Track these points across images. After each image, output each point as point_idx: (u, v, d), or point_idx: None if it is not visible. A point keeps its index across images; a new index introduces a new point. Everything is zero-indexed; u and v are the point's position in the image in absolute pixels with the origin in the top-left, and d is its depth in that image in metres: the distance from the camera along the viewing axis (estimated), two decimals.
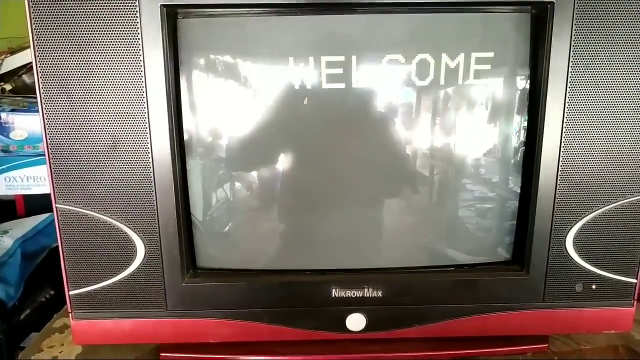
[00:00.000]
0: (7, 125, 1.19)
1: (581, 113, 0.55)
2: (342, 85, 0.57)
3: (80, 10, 0.51)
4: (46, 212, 1.18)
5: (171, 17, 0.53)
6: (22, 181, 1.19)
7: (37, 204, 1.22)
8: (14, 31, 1.27)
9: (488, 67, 0.58)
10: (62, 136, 0.54)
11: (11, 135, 1.19)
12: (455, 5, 0.55)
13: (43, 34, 0.51)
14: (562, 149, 0.56)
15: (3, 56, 1.32)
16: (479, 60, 0.57)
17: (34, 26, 0.51)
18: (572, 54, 0.54)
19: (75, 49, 0.52)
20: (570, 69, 0.54)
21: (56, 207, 0.55)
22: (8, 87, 1.32)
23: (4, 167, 1.19)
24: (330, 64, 0.56)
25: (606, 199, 0.58)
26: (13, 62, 1.31)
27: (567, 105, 0.55)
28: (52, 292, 1.14)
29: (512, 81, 0.59)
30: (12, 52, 1.31)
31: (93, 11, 0.51)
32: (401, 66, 0.58)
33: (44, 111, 0.53)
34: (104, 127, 0.54)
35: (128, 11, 0.51)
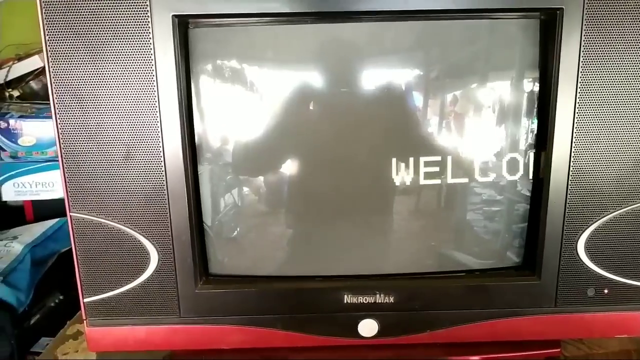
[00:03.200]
0: (15, 132, 1.20)
1: (592, 117, 0.55)
2: (350, 91, 0.57)
3: (94, 20, 0.51)
4: (55, 218, 1.18)
5: (182, 27, 0.53)
6: (31, 187, 1.20)
7: (46, 209, 1.22)
8: (21, 38, 1.27)
9: (497, 71, 0.58)
10: (75, 144, 0.54)
11: (19, 141, 1.20)
12: (462, 12, 0.55)
13: (56, 42, 0.52)
14: (572, 152, 0.56)
15: (10, 63, 1.32)
16: (488, 65, 0.58)
17: (47, 36, 0.52)
18: (581, 58, 0.54)
19: (89, 58, 0.52)
20: (580, 74, 0.54)
21: (70, 216, 0.56)
22: (16, 93, 1.33)
23: (12, 173, 1.19)
24: (336, 71, 0.57)
25: (618, 202, 0.58)
26: (20, 68, 1.31)
27: (577, 109, 0.55)
28: (61, 297, 1.14)
29: (521, 85, 0.59)
30: (20, 58, 1.32)
31: (106, 21, 0.51)
32: (408, 70, 0.58)
33: (58, 120, 0.54)
34: (117, 135, 0.54)
35: (141, 21, 0.52)
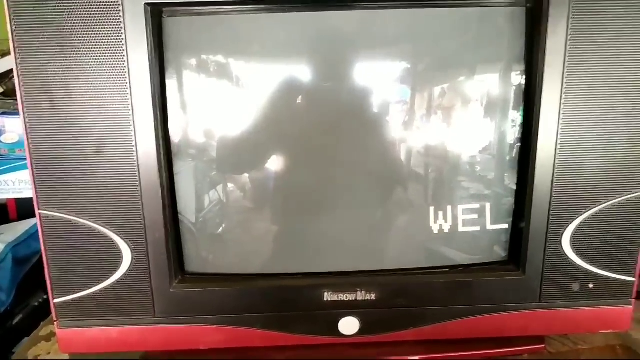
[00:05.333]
0: None
1: (578, 109, 0.54)
2: (334, 84, 0.56)
3: (62, 10, 0.50)
4: None
5: (156, 16, 0.52)
6: (14, 185, 1.18)
7: (29, 207, 1.20)
8: (4, 34, 1.25)
9: (483, 62, 0.57)
10: (44, 140, 0.53)
11: (2, 138, 1.18)
12: (449, 0, 0.54)
13: (23, 35, 0.50)
14: (558, 145, 0.55)
15: None
16: (473, 55, 0.57)
17: (14, 28, 0.50)
18: (568, 48, 0.53)
19: (57, 50, 0.51)
20: (566, 64, 0.53)
21: (39, 214, 0.54)
22: None
23: None
24: (321, 62, 0.55)
25: (603, 196, 0.57)
26: (3, 65, 1.29)
27: (563, 101, 0.54)
28: (44, 297, 1.12)
29: (507, 77, 0.58)
30: (3, 54, 1.30)
31: (75, 11, 0.50)
32: (395, 63, 0.57)
33: (25, 114, 0.52)
34: (87, 130, 0.52)
35: (111, 10, 0.50)
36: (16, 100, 1.35)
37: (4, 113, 1.20)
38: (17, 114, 1.31)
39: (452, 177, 0.61)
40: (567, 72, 0.53)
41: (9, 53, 1.32)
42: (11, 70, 1.38)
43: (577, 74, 0.53)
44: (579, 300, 0.60)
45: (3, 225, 1.18)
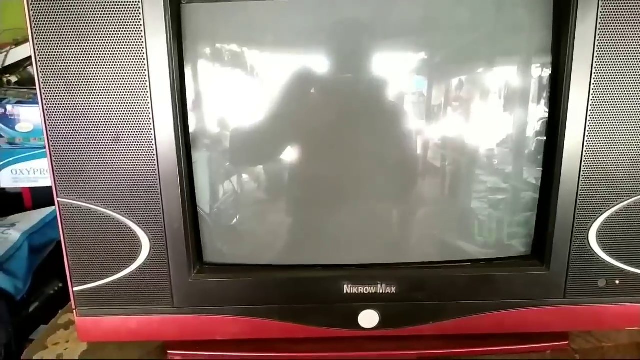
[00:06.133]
0: (12, 118, 1.18)
1: (606, 102, 0.53)
2: (352, 75, 0.55)
3: None
4: (53, 205, 1.17)
5: (174, 2, 0.51)
6: (29, 174, 1.19)
7: (44, 196, 1.21)
8: (19, 23, 1.25)
9: (505, 53, 0.56)
10: (63, 128, 0.52)
11: (17, 127, 1.18)
12: None
13: (41, 24, 0.50)
14: (585, 139, 0.54)
15: (8, 48, 1.31)
16: (496, 47, 0.55)
17: (32, 16, 0.49)
18: (597, 39, 0.51)
19: (75, 38, 0.50)
20: (595, 56, 0.51)
21: (58, 201, 0.54)
22: (14, 79, 1.31)
23: (10, 159, 1.18)
24: (339, 52, 0.54)
25: (631, 191, 0.55)
26: (18, 53, 1.30)
27: (591, 93, 0.52)
28: (60, 285, 1.14)
29: (529, 68, 0.56)
30: (17, 43, 1.30)
31: None
32: (413, 54, 0.56)
33: (44, 102, 0.52)
34: (106, 118, 0.52)
35: None
36: (30, 89, 1.36)
37: (18, 102, 1.20)
38: (32, 103, 1.32)
39: (472, 170, 0.59)
40: (596, 63, 0.52)
41: (22, 42, 1.33)
42: (25, 60, 1.39)
43: (606, 65, 0.52)
44: (605, 296, 0.59)
45: (18, 214, 1.19)
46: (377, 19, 0.55)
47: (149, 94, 0.51)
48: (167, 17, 0.50)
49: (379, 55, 0.55)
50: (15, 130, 1.19)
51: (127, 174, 0.53)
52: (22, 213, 1.19)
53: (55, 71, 0.51)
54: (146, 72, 0.51)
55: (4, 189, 1.23)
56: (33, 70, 0.51)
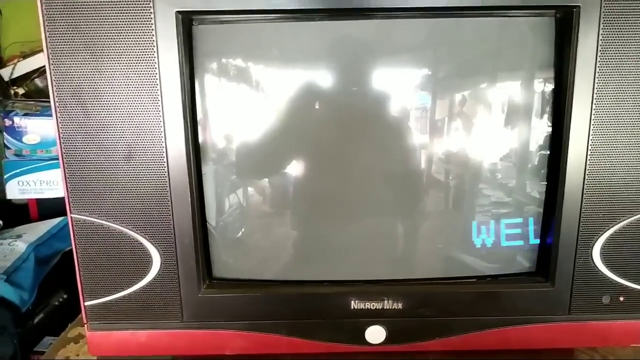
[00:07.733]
0: (20, 130, 1.19)
1: (609, 119, 0.54)
2: (356, 90, 0.56)
3: (96, 16, 0.50)
4: (59, 216, 1.18)
5: (186, 24, 0.52)
6: (35, 185, 1.19)
7: (51, 208, 1.22)
8: (27, 35, 1.27)
9: (508, 71, 0.57)
10: (76, 144, 0.53)
11: (24, 139, 1.20)
12: (474, 10, 0.53)
13: (57, 40, 0.51)
14: (588, 155, 0.54)
15: (15, 60, 1.32)
16: (499, 63, 0.56)
17: (47, 33, 0.51)
18: (599, 58, 0.52)
19: (90, 56, 0.51)
20: (597, 74, 0.52)
21: (71, 217, 0.55)
22: (21, 91, 1.33)
23: (17, 171, 1.19)
24: (344, 69, 0.56)
25: (635, 207, 0.56)
26: (25, 66, 1.31)
27: (594, 111, 0.53)
28: (65, 296, 1.14)
29: (532, 85, 0.57)
30: (25, 56, 1.32)
31: (108, 17, 0.50)
32: (416, 70, 0.57)
33: (59, 120, 0.53)
34: (119, 134, 0.53)
35: (143, 17, 0.50)
36: (37, 101, 1.37)
37: (26, 114, 1.21)
38: (39, 115, 1.33)
39: (479, 186, 0.60)
40: (597, 81, 0.53)
41: (30, 55, 1.34)
42: (32, 72, 1.40)
43: (608, 83, 0.53)
44: (610, 313, 0.59)
45: (24, 225, 1.19)
46: (381, 37, 0.56)
47: (161, 112, 0.52)
48: (179, 38, 0.51)
49: (383, 72, 0.56)
50: (23, 142, 1.20)
51: (139, 191, 0.54)
52: (29, 224, 1.20)
53: (70, 89, 0.52)
54: (158, 90, 0.52)
55: (10, 200, 1.24)
56: (47, 83, 0.52)
